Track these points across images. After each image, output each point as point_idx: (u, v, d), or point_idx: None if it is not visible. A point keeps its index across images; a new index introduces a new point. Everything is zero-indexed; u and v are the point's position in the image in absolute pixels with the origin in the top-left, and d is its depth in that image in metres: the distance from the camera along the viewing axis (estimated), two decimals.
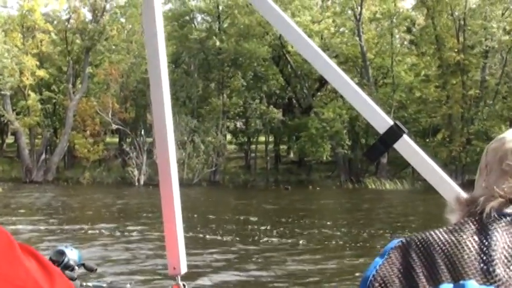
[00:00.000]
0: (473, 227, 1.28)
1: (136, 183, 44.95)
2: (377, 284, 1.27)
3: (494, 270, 1.20)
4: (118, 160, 49.85)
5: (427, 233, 1.29)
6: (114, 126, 47.75)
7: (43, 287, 1.23)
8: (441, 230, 1.29)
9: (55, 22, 53.10)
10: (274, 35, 44.55)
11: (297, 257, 16.65)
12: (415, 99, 46.62)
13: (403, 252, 1.28)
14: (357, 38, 46.67)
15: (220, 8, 49.34)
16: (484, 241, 1.24)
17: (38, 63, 49.84)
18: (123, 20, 52.98)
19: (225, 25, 49.52)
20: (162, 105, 2.72)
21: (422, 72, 47.16)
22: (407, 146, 2.25)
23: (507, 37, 43.26)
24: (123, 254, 16.82)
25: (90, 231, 20.75)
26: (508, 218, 1.27)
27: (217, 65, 48.81)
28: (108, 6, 51.99)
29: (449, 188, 2.19)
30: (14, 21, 50.95)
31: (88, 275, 5.96)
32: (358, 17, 46.35)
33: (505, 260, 1.21)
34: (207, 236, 19.81)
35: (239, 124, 52.29)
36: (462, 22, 44.39)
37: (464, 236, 1.26)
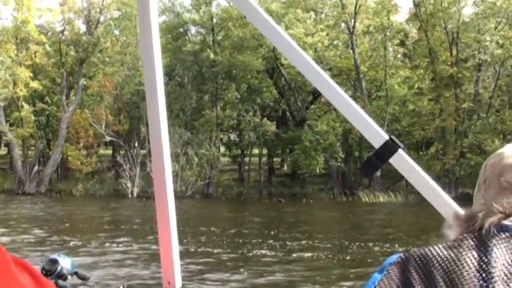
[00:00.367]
0: (472, 243, 1.26)
1: (130, 195, 44.84)
2: None
3: None
4: (111, 172, 49.76)
5: (426, 249, 1.28)
6: (107, 138, 47.70)
7: None
8: (440, 245, 1.28)
9: (49, 34, 53.13)
10: (268, 47, 44.63)
11: (288, 269, 16.64)
12: (409, 112, 46.69)
13: (402, 268, 1.27)
14: (351, 51, 46.83)
15: (214, 20, 49.45)
16: (484, 258, 1.22)
17: (31, 74, 49.82)
18: (117, 32, 53.08)
19: (219, 37, 49.62)
20: (158, 118, 2.69)
21: (416, 85, 47.22)
22: (403, 161, 2.19)
23: (500, 50, 43.44)
24: (113, 265, 16.77)
25: (79, 242, 20.69)
26: (507, 233, 1.26)
27: (211, 78, 48.84)
28: (102, 18, 52.12)
29: (445, 203, 2.16)
30: (8, 33, 50.89)
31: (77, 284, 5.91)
32: (351, 30, 46.53)
33: (505, 277, 1.19)
34: (199, 249, 19.75)
35: (233, 136, 52.22)
36: (455, 35, 44.60)
37: (464, 252, 1.24)
